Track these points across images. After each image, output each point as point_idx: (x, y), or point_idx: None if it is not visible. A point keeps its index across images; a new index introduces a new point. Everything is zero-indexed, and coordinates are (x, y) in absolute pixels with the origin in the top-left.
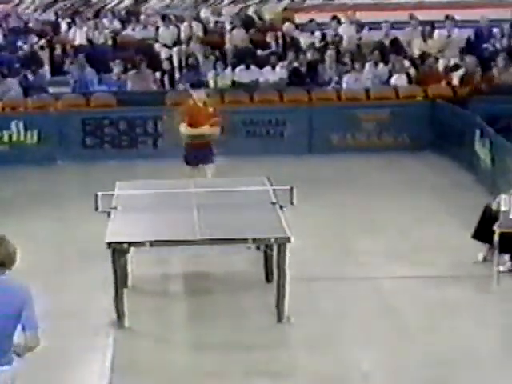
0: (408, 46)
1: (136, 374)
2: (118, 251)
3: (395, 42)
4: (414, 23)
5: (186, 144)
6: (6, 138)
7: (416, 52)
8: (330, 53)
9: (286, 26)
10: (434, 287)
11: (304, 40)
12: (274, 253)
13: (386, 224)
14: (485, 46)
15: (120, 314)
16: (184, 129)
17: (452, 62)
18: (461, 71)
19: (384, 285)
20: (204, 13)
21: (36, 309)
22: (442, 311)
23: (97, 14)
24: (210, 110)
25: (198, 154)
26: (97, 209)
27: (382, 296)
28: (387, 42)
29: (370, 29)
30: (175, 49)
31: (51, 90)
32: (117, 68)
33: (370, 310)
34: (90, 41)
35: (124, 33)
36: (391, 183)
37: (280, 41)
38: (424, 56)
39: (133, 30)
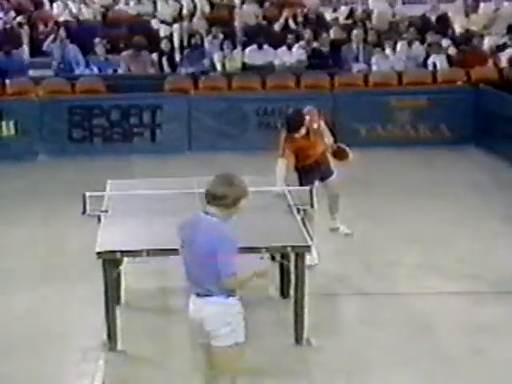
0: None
1: None
2: (110, 262)
3: (443, 17)
4: None
5: (298, 167)
6: None
7: (458, 29)
8: (356, 30)
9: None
10: (477, 305)
11: (329, 16)
12: (291, 264)
13: (421, 230)
14: None
15: (112, 335)
16: (280, 171)
17: (499, 40)
18: (509, 51)
19: (418, 302)
20: None
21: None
22: (486, 333)
23: None
24: (315, 126)
25: (314, 173)
26: (84, 212)
27: (415, 315)
28: (433, 18)
29: (404, 3)
30: (176, 26)
31: (31, 73)
32: (99, 48)
33: (402, 330)
34: (75, 17)
35: (116, 7)
36: (428, 182)
37: (299, 18)
38: (467, 34)
39: (126, 3)
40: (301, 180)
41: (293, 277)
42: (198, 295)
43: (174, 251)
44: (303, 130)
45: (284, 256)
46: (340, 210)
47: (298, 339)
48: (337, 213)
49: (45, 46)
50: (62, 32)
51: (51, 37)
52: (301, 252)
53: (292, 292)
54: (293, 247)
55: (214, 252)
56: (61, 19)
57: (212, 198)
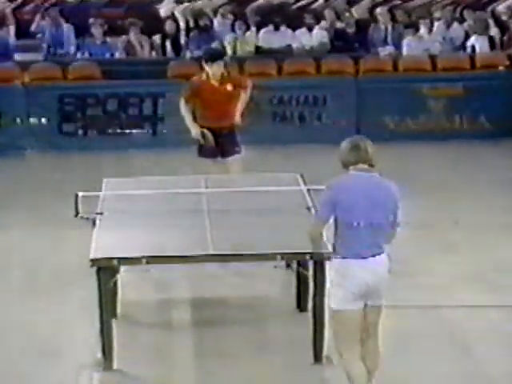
0: None
1: None
2: (105, 270)
3: None
4: None
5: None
6: None
7: (501, 7)
8: (384, 9)
9: None
10: None
11: None
12: (310, 273)
13: (459, 236)
14: None
15: (107, 353)
16: (185, 112)
17: None
18: None
19: (455, 316)
20: None
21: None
22: None
23: None
24: (229, 88)
25: (216, 143)
26: (77, 214)
27: (451, 330)
28: None
29: None
30: (181, 5)
31: (17, 56)
32: (97, 30)
33: (436, 348)
34: None
35: None
36: (465, 182)
37: None
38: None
39: None
40: (200, 148)
41: (311, 288)
42: (364, 258)
43: (177, 258)
44: (221, 68)
45: (301, 264)
46: None
47: (318, 357)
48: None
49: (33, 27)
50: (53, 11)
51: (39, 15)
52: (320, 260)
53: (310, 305)
54: (311, 255)
55: (396, 207)
56: None
57: (368, 159)
